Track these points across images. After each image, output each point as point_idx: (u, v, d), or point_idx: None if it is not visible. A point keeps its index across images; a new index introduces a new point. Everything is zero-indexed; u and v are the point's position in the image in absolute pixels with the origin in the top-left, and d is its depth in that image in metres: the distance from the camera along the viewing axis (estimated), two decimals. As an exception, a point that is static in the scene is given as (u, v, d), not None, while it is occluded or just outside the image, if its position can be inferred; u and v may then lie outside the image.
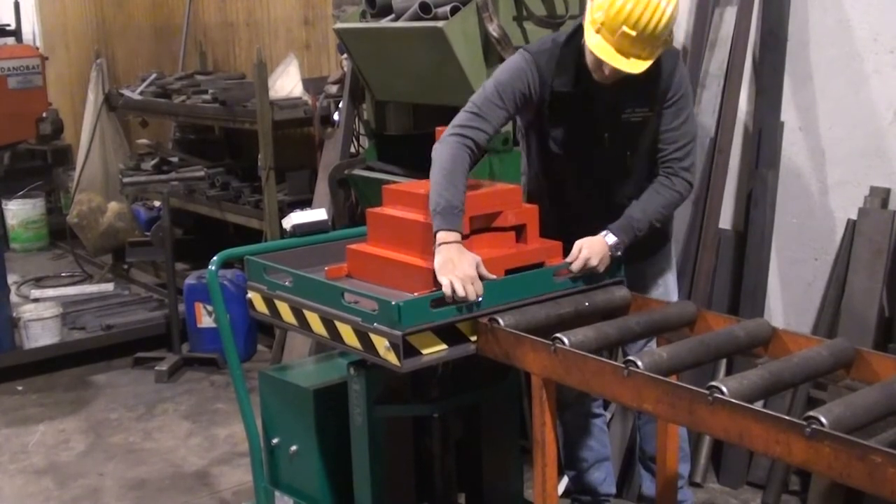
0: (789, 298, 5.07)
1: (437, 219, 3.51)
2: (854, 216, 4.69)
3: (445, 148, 3.72)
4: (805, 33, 4.85)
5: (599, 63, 3.63)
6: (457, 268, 3.38)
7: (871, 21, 4.62)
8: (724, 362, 4.74)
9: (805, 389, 4.65)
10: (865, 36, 4.65)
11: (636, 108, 3.84)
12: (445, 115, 5.23)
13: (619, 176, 3.96)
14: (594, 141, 3.89)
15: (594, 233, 3.73)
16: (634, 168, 3.95)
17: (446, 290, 3.33)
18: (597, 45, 3.57)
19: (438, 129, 3.79)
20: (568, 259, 3.66)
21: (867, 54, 4.65)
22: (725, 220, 5.13)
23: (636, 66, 3.57)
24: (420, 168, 4.48)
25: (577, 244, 3.68)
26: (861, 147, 4.72)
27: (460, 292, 3.32)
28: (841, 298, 4.71)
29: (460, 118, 3.82)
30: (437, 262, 3.42)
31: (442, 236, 3.47)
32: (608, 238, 3.72)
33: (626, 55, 3.56)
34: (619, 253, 3.74)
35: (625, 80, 3.68)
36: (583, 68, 3.77)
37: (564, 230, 3.82)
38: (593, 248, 3.66)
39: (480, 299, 3.38)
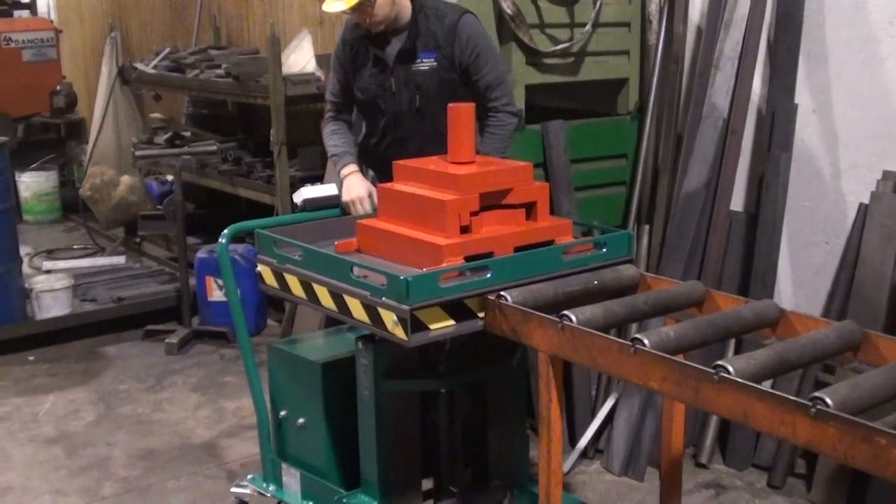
0: (800, 282, 5.07)
1: (338, 161, 4.52)
2: (866, 200, 4.68)
3: (324, 132, 4.67)
4: (820, 15, 4.84)
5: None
6: (351, 191, 4.36)
7: (888, 3, 4.61)
8: (732, 343, 4.74)
9: (814, 372, 4.65)
10: (881, 18, 4.64)
11: (424, 57, 4.43)
12: (458, 91, 5.25)
13: (411, 116, 4.49)
14: (387, 88, 4.48)
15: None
16: (425, 108, 4.45)
17: (351, 209, 4.34)
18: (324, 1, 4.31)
19: (450, 106, 3.79)
20: None
21: (883, 37, 4.64)
22: (737, 203, 5.13)
23: (337, 6, 4.24)
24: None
25: None
26: (875, 131, 4.71)
27: (353, 211, 4.32)
28: (851, 282, 4.70)
29: (326, 108, 4.72)
30: (343, 189, 4.40)
31: (344, 171, 4.46)
32: None
33: None
34: None
35: (409, 36, 4.40)
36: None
37: (382, 163, 4.48)
38: None
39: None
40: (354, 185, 4.39)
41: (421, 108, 4.45)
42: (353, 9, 4.25)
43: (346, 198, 4.36)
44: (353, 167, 4.47)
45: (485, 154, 4.22)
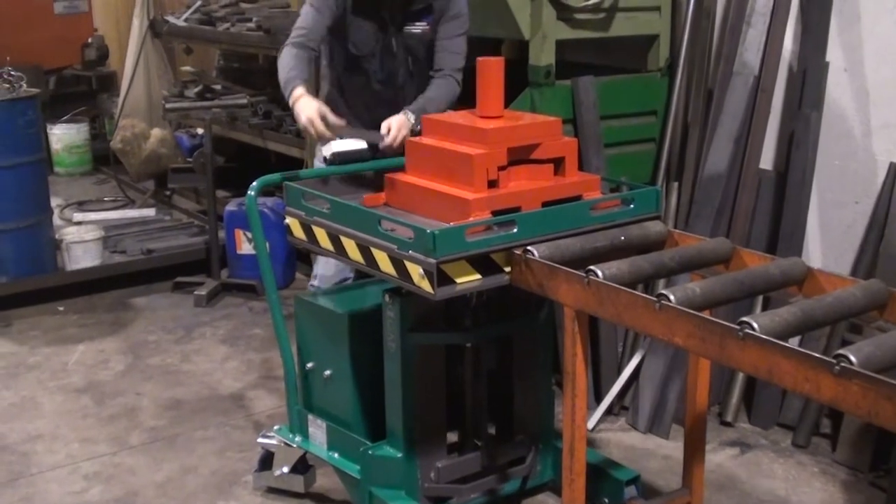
0: (828, 241, 5.05)
1: (287, 85, 4.29)
2: (897, 159, 4.66)
3: (284, 54, 4.43)
4: (854, -28, 4.79)
5: None
6: (304, 112, 4.15)
7: (923, -39, 4.57)
8: (759, 301, 4.73)
9: (840, 332, 4.64)
10: (916, -24, 4.59)
11: (416, 22, 4.52)
12: (489, 47, 5.26)
13: (404, 76, 4.63)
14: (384, 47, 4.56)
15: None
16: (416, 72, 4.62)
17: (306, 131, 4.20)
18: None
19: (480, 59, 3.78)
20: (383, 134, 4.25)
21: (917, -5, 4.60)
22: (767, 161, 5.10)
23: None
24: (462, 100, 4.49)
25: (385, 124, 4.28)
26: (907, 89, 4.67)
27: (311, 130, 4.15)
28: (880, 242, 4.68)
29: (292, 36, 4.49)
30: (296, 114, 4.22)
31: (294, 94, 4.24)
32: (409, 116, 4.32)
33: None
34: (419, 127, 4.13)
35: None
36: None
37: (367, 117, 4.60)
38: (401, 124, 4.26)
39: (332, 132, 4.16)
40: (305, 107, 4.17)
41: (413, 71, 4.62)
42: None
43: (301, 120, 4.19)
44: (301, 89, 4.24)
45: (427, 97, 4.48)
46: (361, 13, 4.49)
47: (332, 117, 4.19)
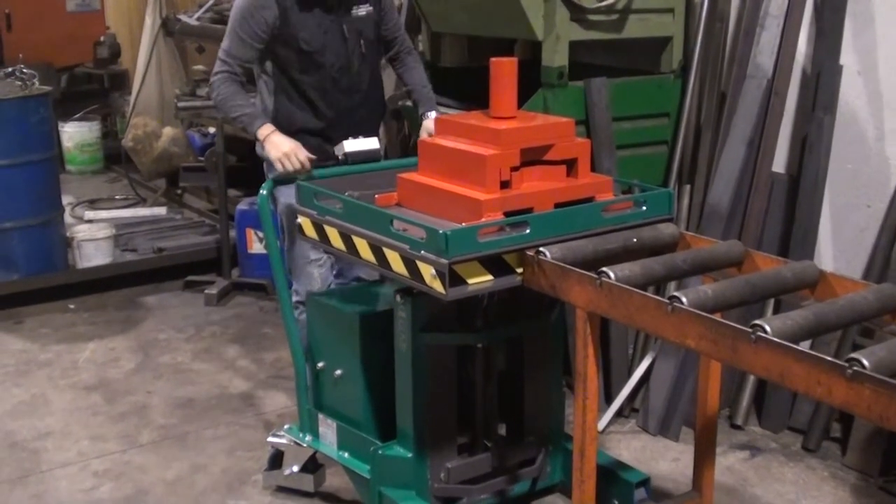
0: (840, 244, 5.04)
1: (253, 123, 4.39)
2: (910, 163, 4.65)
3: (216, 86, 4.51)
4: (868, -25, 4.78)
5: None
6: (281, 147, 4.26)
7: (937, -36, 4.56)
8: (771, 304, 4.72)
9: (851, 336, 4.63)
10: (930, -21, 4.58)
11: (360, 4, 4.60)
12: (501, 47, 5.26)
13: (358, 60, 4.63)
14: (335, 35, 4.55)
15: (353, 114, 4.61)
16: (368, 54, 4.66)
17: (281, 168, 4.23)
18: None
19: (493, 60, 3.77)
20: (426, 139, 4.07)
21: (932, -2, 4.59)
22: (779, 164, 5.09)
23: None
24: (474, 100, 4.50)
25: (425, 131, 4.50)
26: (920, 93, 4.66)
27: (288, 166, 4.21)
28: (892, 245, 4.67)
29: (221, 61, 4.54)
30: (268, 149, 4.31)
31: (263, 131, 4.34)
32: (432, 114, 4.63)
33: None
34: None
35: None
36: None
37: (327, 111, 4.58)
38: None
39: (309, 165, 4.23)
40: (282, 141, 4.29)
41: (365, 54, 4.64)
42: None
43: (277, 154, 4.25)
44: (271, 126, 4.37)
45: (422, 85, 4.80)
46: (306, 8, 4.46)
47: (303, 152, 4.28)
